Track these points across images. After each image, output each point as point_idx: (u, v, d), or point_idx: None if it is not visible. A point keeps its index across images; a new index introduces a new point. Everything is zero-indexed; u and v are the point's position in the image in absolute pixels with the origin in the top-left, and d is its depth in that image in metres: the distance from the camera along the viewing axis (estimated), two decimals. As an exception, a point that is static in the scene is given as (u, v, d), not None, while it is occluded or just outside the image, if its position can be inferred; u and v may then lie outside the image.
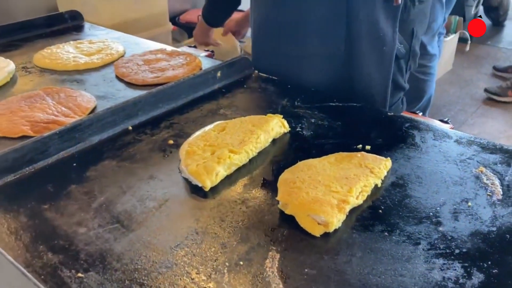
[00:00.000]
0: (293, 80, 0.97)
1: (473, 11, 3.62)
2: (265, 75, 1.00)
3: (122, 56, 1.11)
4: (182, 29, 2.19)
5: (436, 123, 0.87)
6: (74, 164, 0.72)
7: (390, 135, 0.79)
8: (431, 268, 0.52)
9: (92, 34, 1.29)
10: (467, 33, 3.36)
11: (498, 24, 4.19)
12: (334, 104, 0.89)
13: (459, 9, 3.72)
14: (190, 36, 2.14)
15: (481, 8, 4.17)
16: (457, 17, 3.34)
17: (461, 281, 0.51)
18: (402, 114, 0.90)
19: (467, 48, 3.34)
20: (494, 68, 3.30)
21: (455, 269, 0.52)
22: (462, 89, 3.10)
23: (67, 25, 1.33)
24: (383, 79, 0.98)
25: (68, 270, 0.53)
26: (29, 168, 0.70)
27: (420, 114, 1.77)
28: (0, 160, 0.67)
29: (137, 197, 0.65)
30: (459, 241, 0.56)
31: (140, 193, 0.65)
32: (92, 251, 0.55)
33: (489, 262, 0.53)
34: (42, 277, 0.51)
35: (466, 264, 0.53)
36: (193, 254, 0.55)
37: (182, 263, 0.53)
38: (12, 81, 1.01)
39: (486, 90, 2.93)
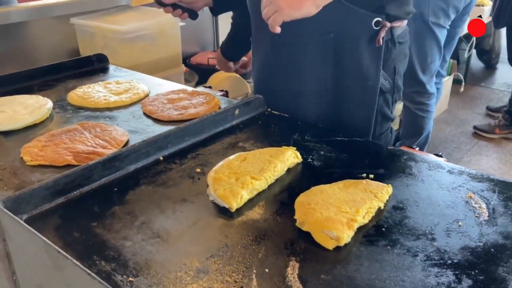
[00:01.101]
0: (290, 114, 1.10)
1: (466, 55, 3.80)
2: (277, 112, 1.12)
3: (148, 95, 1.23)
4: (193, 70, 2.34)
5: (431, 157, 0.98)
6: (115, 189, 0.82)
7: (391, 166, 0.90)
8: (427, 275, 0.62)
9: (117, 75, 1.42)
10: (461, 75, 3.53)
11: (491, 67, 4.38)
12: (340, 138, 1.01)
13: (453, 53, 3.92)
14: (200, 77, 2.28)
15: (473, 51, 4.38)
16: (451, 60, 3.52)
17: (452, 285, 0.60)
18: (400, 148, 1.01)
19: (461, 89, 3.51)
20: (488, 108, 3.45)
21: (448, 276, 0.62)
22: (457, 127, 3.24)
23: (94, 67, 1.46)
24: (368, 111, 1.13)
25: (120, 275, 0.62)
26: (76, 192, 0.80)
27: (417, 149, 1.88)
28: (53, 184, 0.77)
29: (173, 216, 0.75)
30: (451, 253, 0.66)
31: (175, 213, 0.75)
32: (139, 260, 0.65)
33: (476, 271, 0.63)
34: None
35: (457, 272, 0.62)
36: (225, 263, 0.64)
37: (216, 271, 0.63)
38: (50, 117, 1.12)
39: (475, 127, 3.08)
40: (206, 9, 2.46)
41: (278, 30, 0.94)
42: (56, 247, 0.62)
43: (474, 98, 3.77)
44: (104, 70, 1.46)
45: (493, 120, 3.14)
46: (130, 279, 0.61)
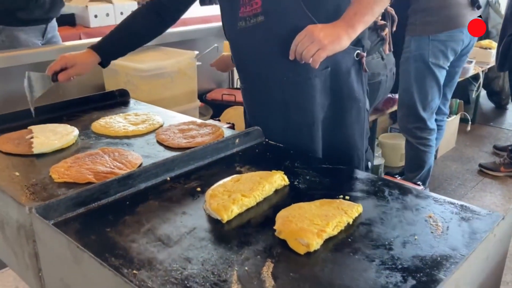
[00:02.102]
0: (290, 144, 1.25)
1: (474, 95, 3.92)
2: (273, 142, 1.27)
3: (161, 126, 1.40)
4: (208, 105, 2.51)
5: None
6: (127, 202, 0.97)
7: (366, 190, 1.03)
8: (379, 276, 0.74)
9: (136, 108, 1.60)
10: (467, 114, 3.64)
11: (501, 107, 4.47)
12: (325, 166, 1.15)
13: (461, 94, 4.04)
14: (214, 111, 2.46)
15: (485, 92, 4.49)
16: (458, 100, 3.64)
17: (398, 284, 0.72)
18: (383, 177, 1.14)
19: (468, 128, 3.61)
20: (495, 147, 3.53)
21: (396, 277, 0.74)
22: (463, 165, 3.32)
23: (117, 100, 1.64)
24: (361, 128, 1.36)
25: (126, 269, 0.76)
26: (95, 204, 0.95)
27: (421, 184, 2.00)
28: (76, 196, 0.93)
29: (173, 225, 0.89)
30: (403, 260, 0.78)
31: (176, 222, 0.90)
32: (142, 258, 0.79)
33: (421, 274, 0.75)
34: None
35: (404, 275, 0.75)
36: (213, 262, 0.78)
37: (207, 267, 0.77)
38: (76, 143, 1.29)
39: (480, 165, 3.16)
40: (221, 49, 2.67)
41: (317, 65, 1.11)
42: (77, 244, 0.77)
43: (482, 137, 3.86)
44: (125, 103, 1.64)
45: (498, 158, 3.22)
46: (134, 272, 0.75)
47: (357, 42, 1.28)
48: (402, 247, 0.82)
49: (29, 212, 0.87)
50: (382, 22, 2.03)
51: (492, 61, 3.91)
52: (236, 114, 2.37)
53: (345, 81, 1.31)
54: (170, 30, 2.60)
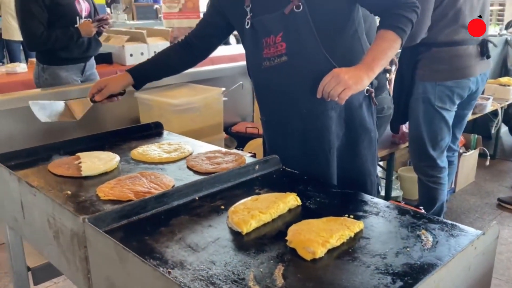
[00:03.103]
0: (309, 172, 1.40)
1: (493, 130, 4.00)
2: (289, 169, 1.43)
3: (191, 154, 1.58)
4: (233, 137, 2.70)
5: (406, 207, 1.23)
6: (162, 217, 1.14)
7: (368, 210, 1.17)
8: (373, 278, 0.88)
9: (169, 138, 1.79)
10: (486, 149, 3.72)
11: (522, 143, 4.51)
12: (335, 190, 1.30)
13: (482, 129, 4.13)
14: (239, 143, 2.64)
15: (505, 128, 4.55)
16: (476, 136, 3.73)
17: (388, 285, 0.86)
18: (384, 200, 1.28)
19: (487, 163, 3.68)
20: (514, 181, 3.58)
21: (387, 279, 0.88)
22: (482, 199, 3.38)
23: (152, 132, 1.84)
24: (372, 156, 1.54)
25: (162, 268, 0.92)
26: (135, 217, 1.13)
27: (422, 208, 2.09)
28: (120, 210, 1.11)
29: (201, 235, 1.05)
30: (394, 267, 0.92)
31: (203, 233, 1.06)
32: (175, 260, 0.95)
33: (408, 277, 0.88)
34: (149, 268, 0.91)
35: (394, 278, 0.88)
36: (235, 265, 0.93)
37: (228, 268, 0.92)
38: (118, 168, 1.48)
39: (499, 199, 3.21)
40: (246, 86, 2.88)
41: (343, 102, 1.29)
42: (122, 245, 0.94)
43: (503, 172, 3.91)
44: (159, 134, 1.83)
45: (517, 193, 3.27)
46: (169, 270, 0.91)
47: None
48: (395, 257, 0.96)
49: (82, 221, 1.05)
50: (388, 66, 2.21)
51: (511, 98, 4.01)
52: (258, 145, 2.54)
53: (357, 113, 1.50)
54: (199, 68, 2.86)
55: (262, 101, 1.59)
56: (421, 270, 0.91)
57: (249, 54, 1.54)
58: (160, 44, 4.02)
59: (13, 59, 5.67)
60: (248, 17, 1.45)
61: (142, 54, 3.91)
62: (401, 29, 1.35)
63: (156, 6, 8.73)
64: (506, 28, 5.07)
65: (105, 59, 3.90)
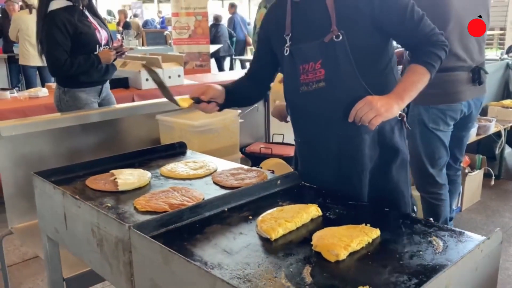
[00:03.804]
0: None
1: (497, 151, 4.12)
2: (308, 184, 1.55)
3: (216, 170, 1.71)
4: (247, 157, 2.83)
5: (418, 217, 1.35)
6: (197, 225, 1.26)
7: (384, 220, 1.29)
8: (391, 276, 1.00)
9: (193, 157, 1.92)
10: (491, 170, 3.83)
11: (529, 164, 4.61)
12: (351, 202, 1.41)
13: (486, 150, 4.24)
14: (253, 163, 2.77)
15: (509, 149, 4.66)
16: (481, 156, 3.85)
17: (405, 281, 0.98)
18: (397, 211, 1.39)
19: (492, 182, 3.78)
20: (519, 200, 3.67)
21: (403, 278, 0.99)
22: (488, 217, 3.48)
23: (176, 151, 1.98)
24: (404, 178, 1.62)
25: (202, 268, 1.04)
26: (172, 226, 1.25)
27: (432, 219, 2.18)
28: (160, 219, 1.23)
29: (233, 242, 1.17)
30: (409, 267, 1.03)
31: (235, 240, 1.18)
32: (214, 262, 1.07)
33: (422, 275, 0.99)
34: (192, 268, 1.03)
35: (409, 276, 1.00)
36: (267, 266, 1.05)
37: (261, 269, 1.04)
38: (149, 183, 1.61)
39: None
40: (260, 109, 3.02)
41: (374, 128, 1.38)
42: (168, 248, 1.06)
43: (508, 191, 4.00)
44: (183, 153, 1.97)
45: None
46: (209, 270, 1.03)
47: None
48: (409, 259, 1.07)
49: (128, 228, 1.17)
50: None
51: (516, 121, 4.14)
52: (272, 164, 2.67)
53: (390, 136, 1.56)
54: (216, 92, 2.98)
55: (298, 123, 1.65)
56: (433, 270, 1.02)
57: (286, 79, 1.62)
58: (174, 70, 4.20)
59: (29, 84, 5.87)
60: (287, 45, 1.55)
61: (157, 78, 4.07)
62: (431, 65, 1.46)
63: (166, 32, 9.00)
64: (507, 52, 5.23)
65: (122, 83, 4.08)
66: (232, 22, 10.27)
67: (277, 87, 2.11)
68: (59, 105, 2.96)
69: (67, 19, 2.72)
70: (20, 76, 6.37)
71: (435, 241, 1.15)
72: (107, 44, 2.95)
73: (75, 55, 2.79)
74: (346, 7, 1.46)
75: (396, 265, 1.05)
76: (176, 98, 1.66)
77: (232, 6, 10.57)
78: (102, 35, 2.90)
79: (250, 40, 11.08)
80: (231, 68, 10.26)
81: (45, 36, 2.78)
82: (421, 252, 1.10)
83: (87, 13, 2.88)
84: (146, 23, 14.30)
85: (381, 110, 1.36)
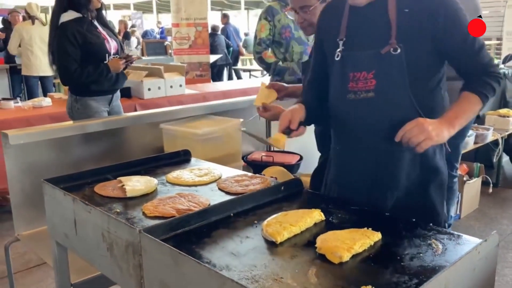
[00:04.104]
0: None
1: (494, 159, 4.17)
2: (310, 190, 1.59)
3: (220, 177, 1.75)
4: (249, 165, 2.88)
5: (418, 223, 1.39)
6: (204, 230, 1.30)
7: (385, 224, 1.33)
8: (392, 277, 1.04)
9: (197, 164, 1.97)
10: (488, 178, 3.88)
11: (525, 172, 4.67)
12: (353, 208, 1.46)
13: (484, 158, 4.30)
14: (255, 171, 2.81)
15: (506, 157, 4.71)
16: (479, 164, 3.90)
17: (406, 281, 1.02)
18: (398, 216, 1.43)
19: (490, 190, 3.83)
20: (516, 208, 3.72)
21: (404, 277, 1.04)
22: (487, 225, 3.52)
23: (181, 158, 2.02)
24: (441, 197, 1.59)
25: (213, 268, 1.08)
26: (181, 230, 1.29)
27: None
28: (169, 223, 1.27)
29: (240, 245, 1.21)
30: (410, 268, 1.08)
31: (242, 243, 1.22)
32: (222, 264, 1.11)
33: (422, 276, 1.04)
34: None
35: (411, 276, 1.04)
36: (273, 267, 1.09)
37: (268, 270, 1.08)
38: (156, 190, 1.65)
39: None
40: (263, 120, 3.06)
41: (422, 151, 1.37)
42: (178, 250, 1.10)
43: (506, 199, 4.05)
44: (188, 161, 2.01)
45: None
46: (218, 271, 1.07)
47: None
48: (410, 261, 1.12)
49: (139, 232, 1.21)
50: None
51: (510, 128, 4.20)
52: (274, 172, 2.71)
53: (431, 158, 1.53)
54: (218, 101, 3.06)
55: (339, 130, 1.62)
56: (433, 270, 1.06)
57: (333, 84, 1.57)
58: (176, 79, 4.26)
59: (30, 94, 5.92)
60: (339, 49, 1.51)
61: (159, 88, 4.14)
62: (485, 96, 1.44)
63: (166, 42, 9.09)
64: (504, 62, 5.30)
65: (125, 93, 4.12)
66: (225, 32, 10.40)
67: (264, 92, 2.15)
68: (70, 113, 3.05)
69: (77, 30, 2.83)
70: (22, 86, 6.42)
71: (435, 244, 1.20)
72: (116, 53, 3.04)
73: (85, 64, 2.89)
74: (408, 22, 1.42)
75: (397, 266, 1.09)
76: (270, 140, 1.66)
77: (225, 17, 10.74)
78: (111, 44, 2.98)
79: (243, 50, 11.25)
80: (230, 77, 10.37)
81: (56, 47, 2.88)
82: (421, 254, 1.14)
83: (96, 23, 2.97)
84: (145, 34, 14.43)
85: (431, 134, 1.34)
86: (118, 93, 3.19)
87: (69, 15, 2.84)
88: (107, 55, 2.95)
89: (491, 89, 1.46)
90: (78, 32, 2.82)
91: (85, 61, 2.86)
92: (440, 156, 1.57)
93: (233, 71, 10.49)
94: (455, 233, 1.26)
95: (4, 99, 4.13)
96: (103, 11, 3.06)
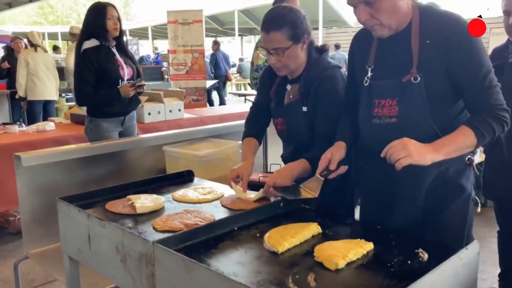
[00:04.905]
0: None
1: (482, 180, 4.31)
2: (308, 206, 1.72)
3: (223, 195, 1.88)
4: (247, 186, 3.01)
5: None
6: (211, 242, 1.42)
7: (377, 236, 1.45)
8: (383, 281, 1.16)
9: (200, 184, 2.09)
10: (477, 198, 4.00)
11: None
12: (347, 222, 1.58)
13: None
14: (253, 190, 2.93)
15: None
16: (468, 184, 4.03)
17: (395, 285, 1.14)
18: (388, 228, 1.55)
19: (479, 209, 3.95)
20: (505, 227, 3.84)
21: (394, 281, 1.15)
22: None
23: (185, 179, 2.14)
24: (463, 218, 1.63)
25: (222, 273, 1.20)
26: (189, 242, 1.40)
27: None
28: (179, 236, 1.39)
29: (245, 255, 1.33)
30: (399, 273, 1.20)
31: (246, 254, 1.34)
32: (229, 271, 1.22)
33: (410, 279, 1.16)
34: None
35: (399, 281, 1.16)
36: (276, 274, 1.21)
37: (271, 276, 1.20)
38: (164, 207, 1.77)
39: None
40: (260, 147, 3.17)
41: (400, 168, 1.38)
42: (190, 258, 1.21)
43: (494, 219, 4.17)
44: (191, 180, 2.14)
45: None
46: (228, 276, 1.19)
47: None
48: (399, 267, 1.24)
49: (152, 244, 1.33)
50: None
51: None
52: (272, 193, 2.83)
53: (455, 178, 1.56)
54: (218, 125, 3.19)
55: (366, 151, 1.68)
56: (420, 274, 1.18)
57: (361, 108, 1.66)
58: (175, 104, 4.41)
59: (33, 119, 6.02)
60: (368, 76, 1.60)
61: (159, 112, 4.28)
62: (481, 133, 1.44)
63: (163, 68, 9.29)
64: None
65: (125, 117, 4.26)
66: (214, 58, 10.75)
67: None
68: (86, 132, 3.31)
69: (95, 56, 3.10)
70: (22, 111, 6.54)
71: (421, 253, 1.32)
72: (131, 78, 3.24)
73: (98, 88, 3.14)
74: (429, 52, 1.48)
75: (388, 272, 1.21)
76: (305, 191, 1.67)
77: (216, 44, 11.05)
78: (125, 71, 3.24)
79: (230, 76, 11.59)
80: (221, 101, 10.67)
81: (75, 71, 3.19)
82: (409, 261, 1.27)
83: (114, 50, 3.22)
84: (141, 59, 14.66)
85: (412, 153, 1.38)
86: (133, 114, 3.39)
87: (90, 43, 3.11)
88: (120, 80, 3.16)
89: (491, 130, 1.46)
90: (96, 58, 3.09)
91: (99, 84, 3.12)
92: (466, 177, 1.59)
93: (217, 94, 10.83)
94: (441, 243, 1.39)
95: (6, 123, 4.25)
96: (124, 38, 3.32)
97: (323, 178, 1.63)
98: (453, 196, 1.59)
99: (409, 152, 1.38)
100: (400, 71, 1.52)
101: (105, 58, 3.12)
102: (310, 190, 1.64)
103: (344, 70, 1.92)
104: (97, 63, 3.08)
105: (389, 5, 1.46)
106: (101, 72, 3.10)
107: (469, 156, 1.57)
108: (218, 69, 10.68)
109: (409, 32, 1.51)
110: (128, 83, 3.19)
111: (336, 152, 1.66)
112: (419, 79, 1.48)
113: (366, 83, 1.61)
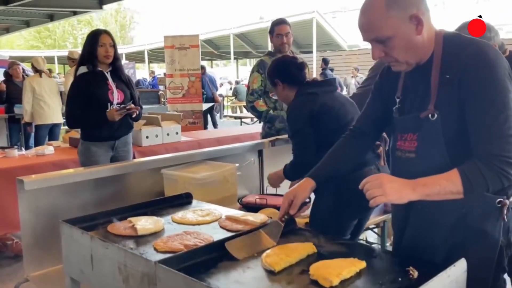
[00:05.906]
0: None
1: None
2: (302, 227, 1.78)
3: (221, 217, 1.94)
4: (244, 208, 3.05)
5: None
6: (211, 262, 1.47)
7: (369, 254, 1.51)
8: (375, 297, 1.22)
9: (198, 206, 2.15)
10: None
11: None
12: (340, 242, 1.64)
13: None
14: (249, 211, 2.99)
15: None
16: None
17: (387, 300, 1.20)
18: (380, 248, 1.62)
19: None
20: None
21: (385, 297, 1.22)
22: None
23: (183, 201, 2.20)
24: (489, 264, 1.47)
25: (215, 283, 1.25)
26: (190, 262, 1.46)
27: None
28: (180, 256, 1.44)
29: (243, 274, 1.39)
30: (390, 290, 1.26)
31: (245, 272, 1.40)
32: (225, 282, 1.28)
33: (401, 295, 1.22)
34: (211, 294, 1.24)
35: (391, 296, 1.22)
36: (272, 291, 1.27)
37: (267, 293, 1.25)
38: (163, 229, 1.82)
39: None
40: (256, 162, 3.25)
41: (374, 205, 1.40)
42: (191, 277, 1.27)
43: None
44: (189, 203, 2.19)
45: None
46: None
47: (501, 190, 1.39)
48: (390, 284, 1.30)
49: (154, 264, 1.38)
50: (378, 142, 2.52)
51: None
52: (268, 214, 2.88)
53: (479, 221, 1.43)
54: (215, 148, 3.26)
55: None
56: (410, 291, 1.25)
57: (393, 136, 1.64)
58: (172, 128, 4.49)
59: (39, 143, 6.08)
60: (396, 106, 1.59)
61: (156, 136, 4.35)
62: (469, 182, 1.34)
63: (160, 91, 9.41)
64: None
65: (123, 141, 4.32)
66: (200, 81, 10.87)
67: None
68: (78, 155, 3.41)
69: (87, 80, 3.23)
70: (20, 135, 6.60)
71: (412, 270, 1.38)
72: (122, 103, 3.30)
73: (87, 110, 3.24)
74: (447, 88, 1.42)
75: (379, 288, 1.27)
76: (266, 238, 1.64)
77: (202, 68, 11.26)
78: (115, 95, 3.31)
79: (218, 98, 11.77)
80: (213, 122, 10.79)
81: (67, 94, 3.34)
82: (400, 279, 1.33)
83: (108, 75, 3.31)
84: (138, 83, 14.82)
85: (387, 192, 1.35)
86: (126, 139, 3.43)
87: (84, 68, 3.27)
88: (109, 104, 3.21)
89: (482, 182, 1.34)
90: (87, 82, 3.23)
91: (88, 107, 3.23)
92: (493, 221, 1.44)
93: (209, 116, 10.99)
94: (431, 262, 1.45)
95: (5, 147, 4.30)
96: (119, 63, 3.43)
97: (283, 224, 1.65)
98: (476, 239, 1.45)
99: (384, 192, 1.36)
100: (420, 105, 1.49)
101: (95, 83, 3.24)
102: (270, 237, 1.62)
103: (339, 91, 1.97)
104: (86, 87, 3.22)
105: (403, 42, 1.42)
106: (90, 95, 3.22)
107: (501, 199, 1.41)
108: (205, 91, 10.81)
109: (430, 65, 1.46)
110: (117, 107, 3.27)
111: (300, 195, 1.69)
112: (436, 116, 1.43)
113: (395, 114, 1.60)
